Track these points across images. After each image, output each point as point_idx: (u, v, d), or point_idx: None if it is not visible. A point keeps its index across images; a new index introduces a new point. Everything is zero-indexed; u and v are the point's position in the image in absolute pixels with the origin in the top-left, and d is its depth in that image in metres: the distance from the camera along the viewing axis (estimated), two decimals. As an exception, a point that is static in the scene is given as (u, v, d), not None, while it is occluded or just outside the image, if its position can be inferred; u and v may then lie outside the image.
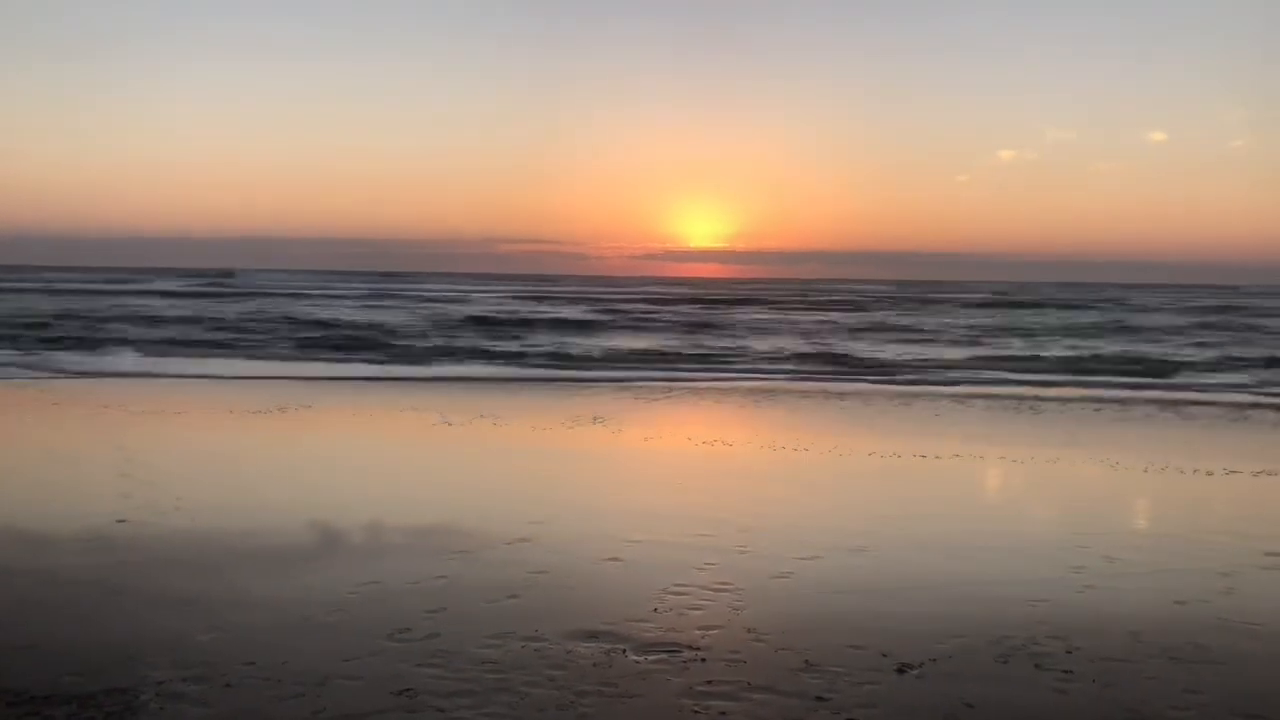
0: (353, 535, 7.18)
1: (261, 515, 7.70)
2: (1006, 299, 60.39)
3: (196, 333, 28.51)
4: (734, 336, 31.08)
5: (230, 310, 38.80)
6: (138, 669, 4.57)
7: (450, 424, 13.04)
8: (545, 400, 16.24)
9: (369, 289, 64.89)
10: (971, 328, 36.09)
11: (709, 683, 4.55)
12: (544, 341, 27.81)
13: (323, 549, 6.86)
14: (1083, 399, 17.16)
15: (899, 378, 20.28)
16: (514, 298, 55.57)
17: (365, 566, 6.34)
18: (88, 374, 18.38)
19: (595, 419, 13.59)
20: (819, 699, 4.40)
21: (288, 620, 5.29)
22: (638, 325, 35.72)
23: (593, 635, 5.11)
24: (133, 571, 6.15)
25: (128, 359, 21.39)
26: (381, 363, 21.89)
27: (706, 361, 23.45)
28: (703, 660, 4.82)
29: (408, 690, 4.40)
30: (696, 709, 4.29)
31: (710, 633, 5.20)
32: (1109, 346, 28.55)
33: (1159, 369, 22.57)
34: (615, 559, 6.55)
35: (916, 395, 17.32)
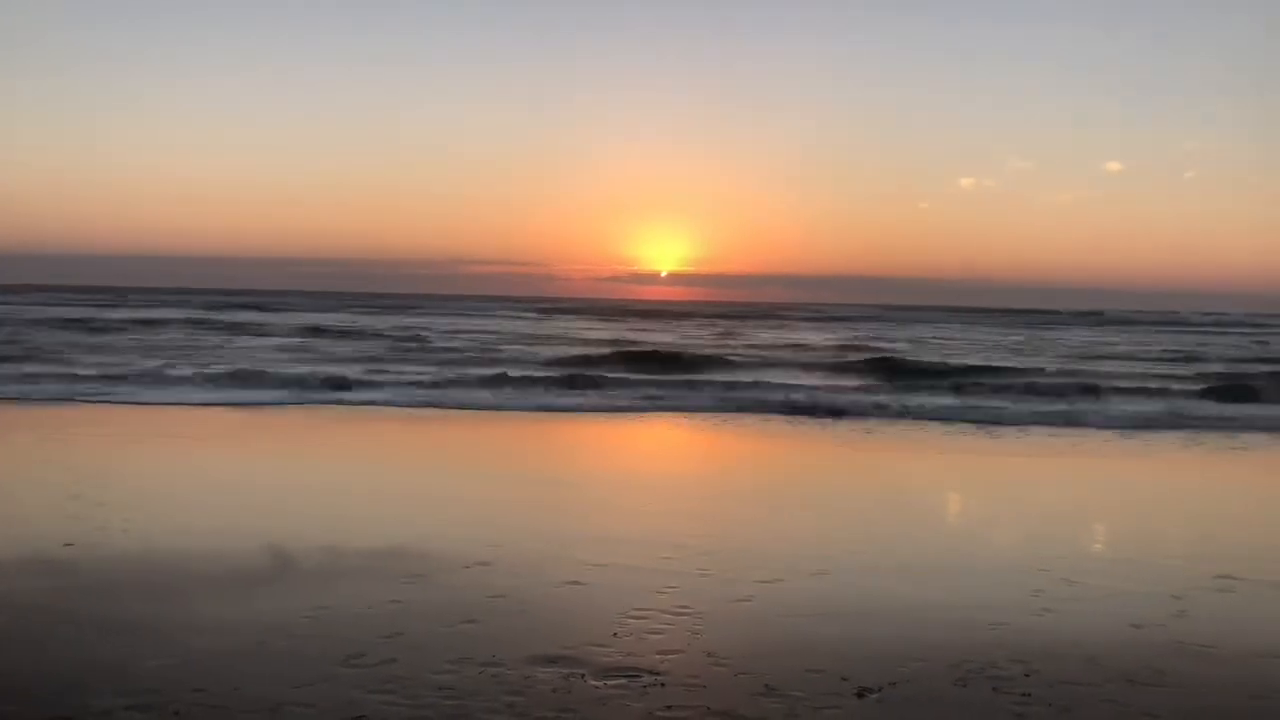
0: (306, 559, 7.06)
1: (212, 539, 7.55)
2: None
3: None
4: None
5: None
6: (82, 697, 4.44)
7: (406, 446, 12.92)
8: (498, 425, 16.14)
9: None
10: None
11: (669, 707, 4.51)
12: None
13: (275, 573, 6.74)
14: (1038, 425, 17.35)
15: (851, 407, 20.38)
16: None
17: (318, 591, 6.23)
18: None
19: (546, 443, 13.53)
20: (779, 724, 4.37)
21: (238, 646, 5.17)
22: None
23: (552, 660, 5.05)
24: (79, 597, 6.00)
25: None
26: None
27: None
28: (662, 685, 4.77)
29: (362, 717, 4.31)
30: (656, 735, 4.24)
31: (670, 657, 5.16)
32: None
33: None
34: (575, 583, 6.49)
35: (864, 421, 17.42)
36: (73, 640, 5.21)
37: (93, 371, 21.68)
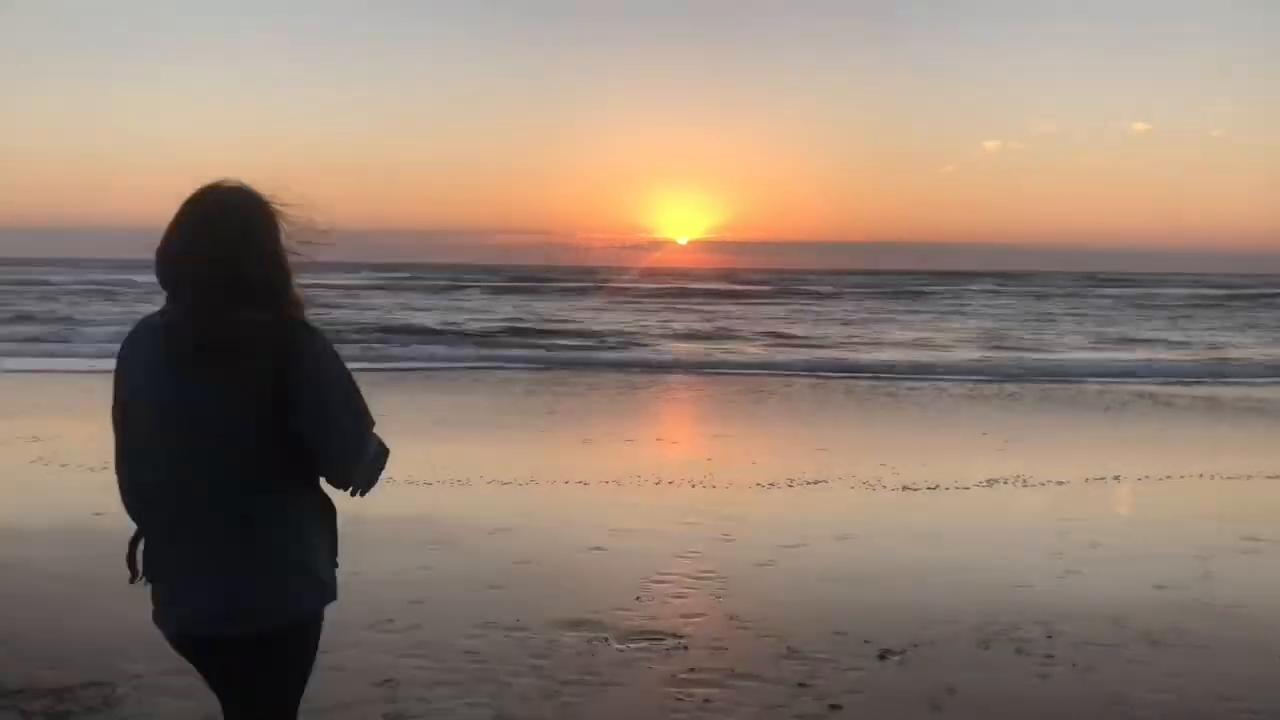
0: (333, 526, 7.13)
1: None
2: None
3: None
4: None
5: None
6: (115, 662, 4.52)
7: (431, 413, 12.99)
8: (523, 389, 16.19)
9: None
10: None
11: (692, 670, 4.55)
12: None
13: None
14: (1057, 385, 17.25)
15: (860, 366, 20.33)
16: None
17: (346, 557, 6.26)
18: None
19: (575, 409, 13.57)
20: (801, 685, 4.40)
21: (268, 612, 5.24)
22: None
23: (576, 624, 5.10)
24: (110, 564, 6.07)
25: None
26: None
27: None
28: (685, 648, 4.81)
29: (389, 681, 4.38)
30: (680, 696, 4.29)
31: (693, 621, 5.19)
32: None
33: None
34: (598, 548, 6.53)
35: (893, 384, 17.37)
36: (105, 607, 5.29)
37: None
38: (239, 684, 2.38)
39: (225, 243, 2.14)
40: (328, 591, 2.46)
